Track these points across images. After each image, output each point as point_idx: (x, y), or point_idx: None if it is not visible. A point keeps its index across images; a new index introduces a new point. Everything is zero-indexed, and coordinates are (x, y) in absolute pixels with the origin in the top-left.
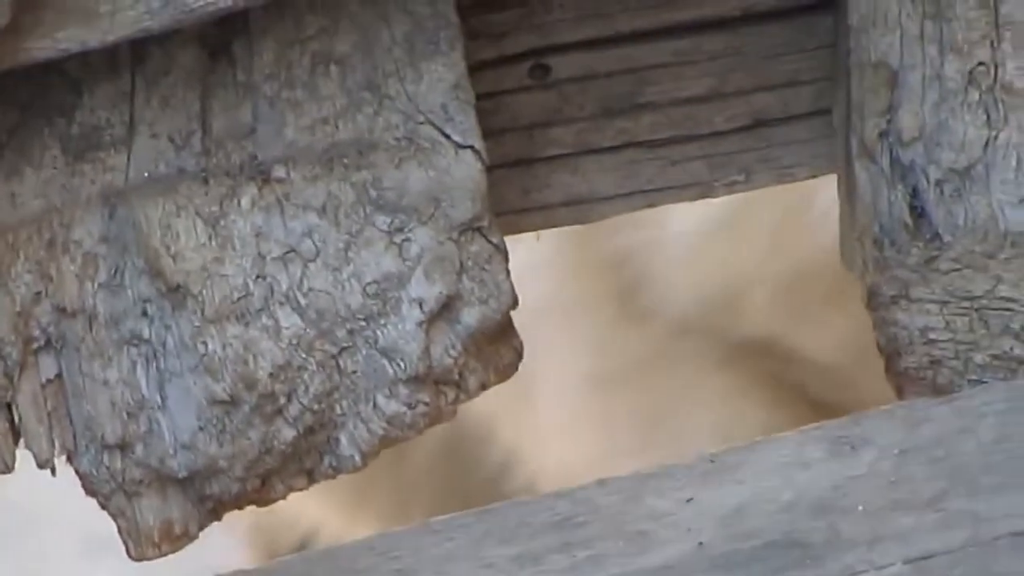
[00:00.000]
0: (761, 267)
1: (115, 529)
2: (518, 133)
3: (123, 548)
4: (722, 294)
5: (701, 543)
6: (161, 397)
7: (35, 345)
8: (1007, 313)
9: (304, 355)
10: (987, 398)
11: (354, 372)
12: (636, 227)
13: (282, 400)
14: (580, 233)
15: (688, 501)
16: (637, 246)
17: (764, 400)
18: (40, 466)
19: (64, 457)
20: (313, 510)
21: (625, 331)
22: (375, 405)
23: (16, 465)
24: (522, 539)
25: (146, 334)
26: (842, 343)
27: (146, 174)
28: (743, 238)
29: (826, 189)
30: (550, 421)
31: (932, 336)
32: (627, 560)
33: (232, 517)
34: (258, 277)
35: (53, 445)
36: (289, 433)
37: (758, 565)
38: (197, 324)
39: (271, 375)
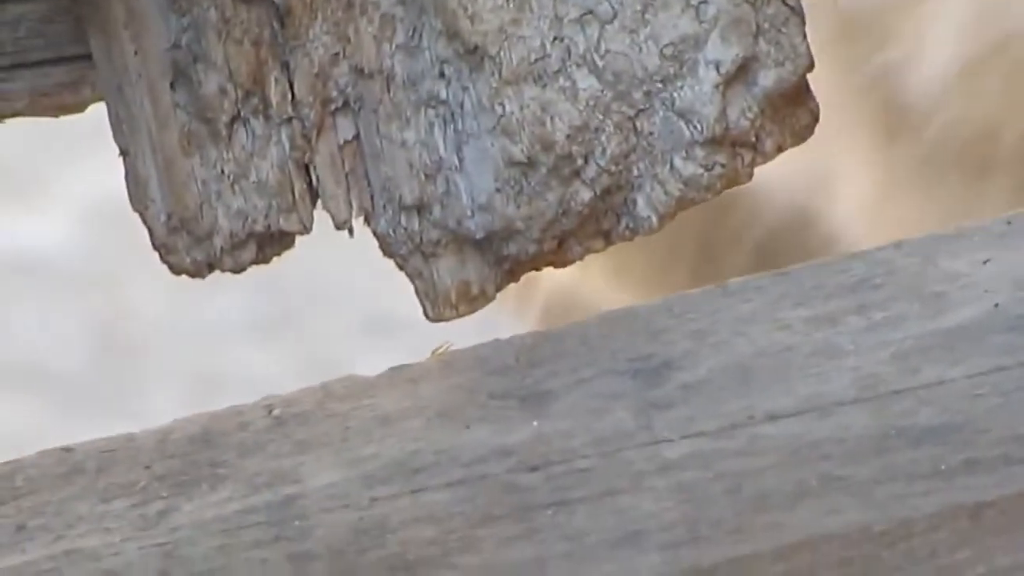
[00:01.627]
0: None
1: (394, 310)
2: None
3: (420, 309)
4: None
5: (997, 304)
6: (459, 158)
7: (333, 106)
8: None
9: (601, 116)
10: None
11: (651, 134)
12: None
13: (579, 161)
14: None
15: (985, 263)
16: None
17: None
18: (338, 227)
19: (362, 218)
20: (610, 291)
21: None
22: (672, 166)
23: (313, 226)
24: (818, 301)
25: (443, 95)
26: None
27: None
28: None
29: None
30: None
31: None
32: (924, 321)
33: (528, 291)
34: (555, 39)
35: (351, 206)
36: (586, 194)
37: None
38: (495, 85)
39: (568, 136)
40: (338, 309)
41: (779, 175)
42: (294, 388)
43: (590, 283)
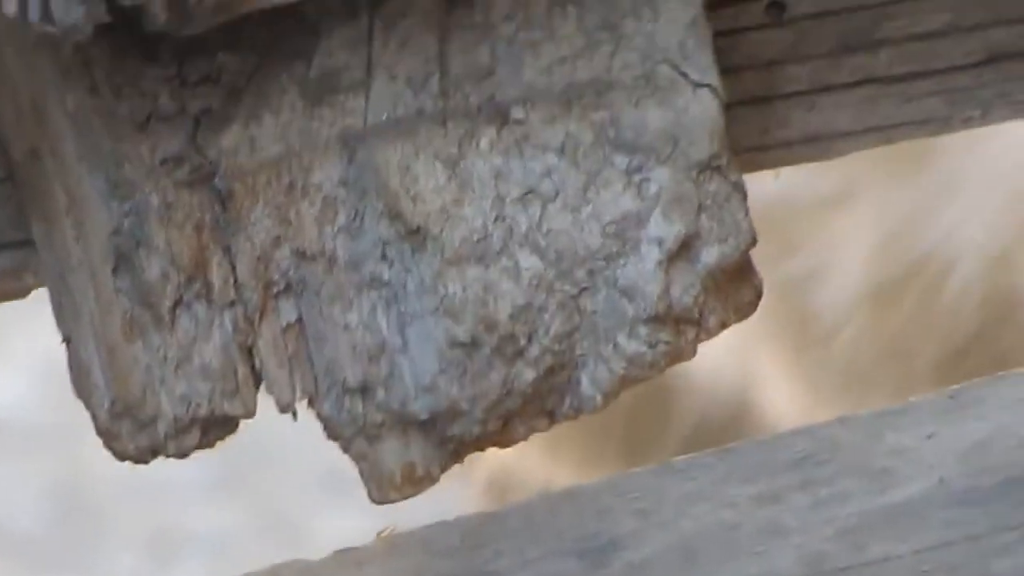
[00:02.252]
0: None
1: (349, 466)
2: (755, 71)
3: (365, 491)
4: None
5: (942, 479)
6: (402, 340)
7: (275, 289)
8: None
9: (544, 296)
10: None
11: (594, 312)
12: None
13: (523, 341)
14: None
15: (929, 437)
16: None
17: None
18: (282, 411)
19: (306, 401)
20: (548, 466)
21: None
22: (616, 345)
23: (257, 410)
24: (763, 478)
25: (386, 277)
26: None
27: (384, 117)
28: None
29: None
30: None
31: None
32: (869, 497)
33: (468, 468)
34: (497, 218)
35: (294, 389)
36: (530, 374)
37: (999, 501)
38: (437, 266)
39: (511, 316)
40: (294, 466)
41: (707, 368)
42: (252, 546)
43: (527, 459)
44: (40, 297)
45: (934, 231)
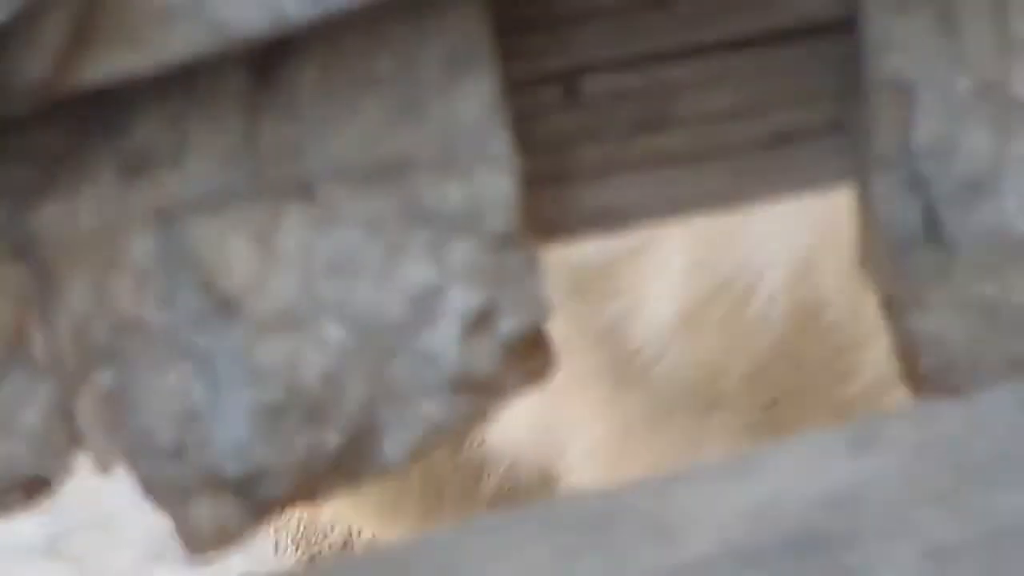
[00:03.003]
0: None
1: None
2: (552, 150)
3: (179, 548)
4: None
5: (727, 539)
6: (214, 405)
7: (93, 358)
8: (1019, 317)
9: (349, 364)
10: (997, 398)
11: (396, 379)
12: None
13: (329, 407)
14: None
15: (717, 498)
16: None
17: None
18: (101, 471)
19: (124, 463)
20: (349, 514)
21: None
22: (417, 410)
23: (75, 472)
24: (559, 536)
25: (200, 346)
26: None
27: (197, 192)
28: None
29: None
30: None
31: (946, 340)
32: (658, 555)
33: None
34: (305, 290)
35: (112, 452)
36: (335, 439)
37: (782, 559)
38: (248, 336)
39: (319, 383)
40: (123, 530)
41: (513, 426)
42: None
43: (331, 509)
44: None
45: (738, 251)
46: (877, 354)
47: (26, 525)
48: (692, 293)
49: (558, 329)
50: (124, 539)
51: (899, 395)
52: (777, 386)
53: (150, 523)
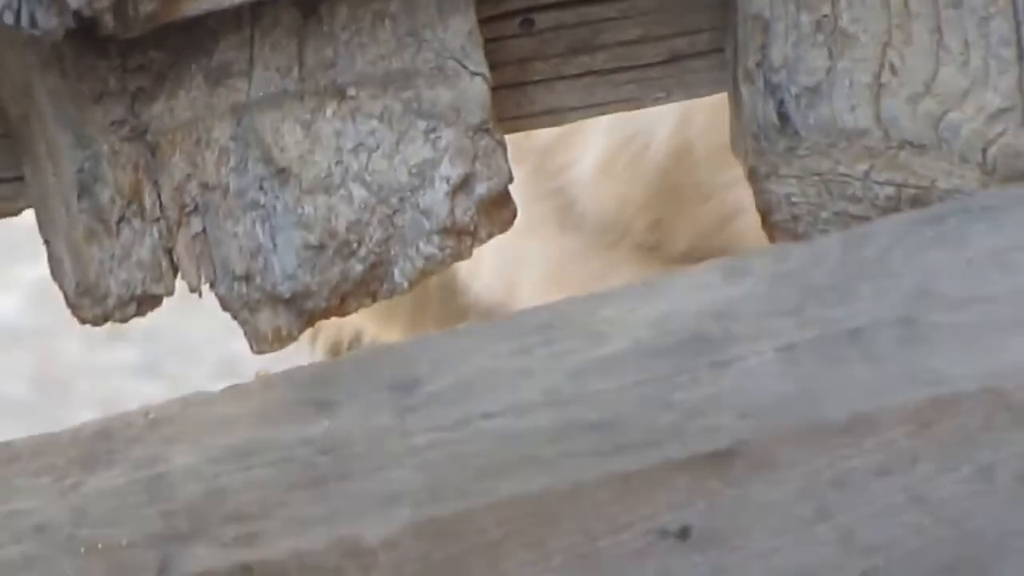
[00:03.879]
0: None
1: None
2: (512, 65)
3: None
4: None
5: (638, 340)
6: (273, 244)
7: (187, 210)
8: (843, 184)
9: (369, 215)
10: (830, 241)
11: (402, 226)
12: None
13: (355, 245)
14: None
15: (630, 311)
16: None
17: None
18: (191, 291)
19: (208, 285)
20: (378, 331)
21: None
22: (417, 249)
23: (175, 292)
24: (517, 337)
25: (262, 201)
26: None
27: (261, 94)
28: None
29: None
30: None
31: (793, 200)
32: (589, 350)
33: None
34: (337, 163)
35: (200, 277)
36: (359, 268)
37: (678, 354)
38: (297, 195)
39: (347, 229)
40: (199, 354)
41: (483, 259)
42: None
43: (364, 323)
44: (31, 237)
45: (638, 118)
46: (729, 182)
47: (128, 352)
48: (606, 152)
49: (518, 191)
50: (202, 361)
51: (741, 218)
52: (661, 208)
53: (221, 351)
